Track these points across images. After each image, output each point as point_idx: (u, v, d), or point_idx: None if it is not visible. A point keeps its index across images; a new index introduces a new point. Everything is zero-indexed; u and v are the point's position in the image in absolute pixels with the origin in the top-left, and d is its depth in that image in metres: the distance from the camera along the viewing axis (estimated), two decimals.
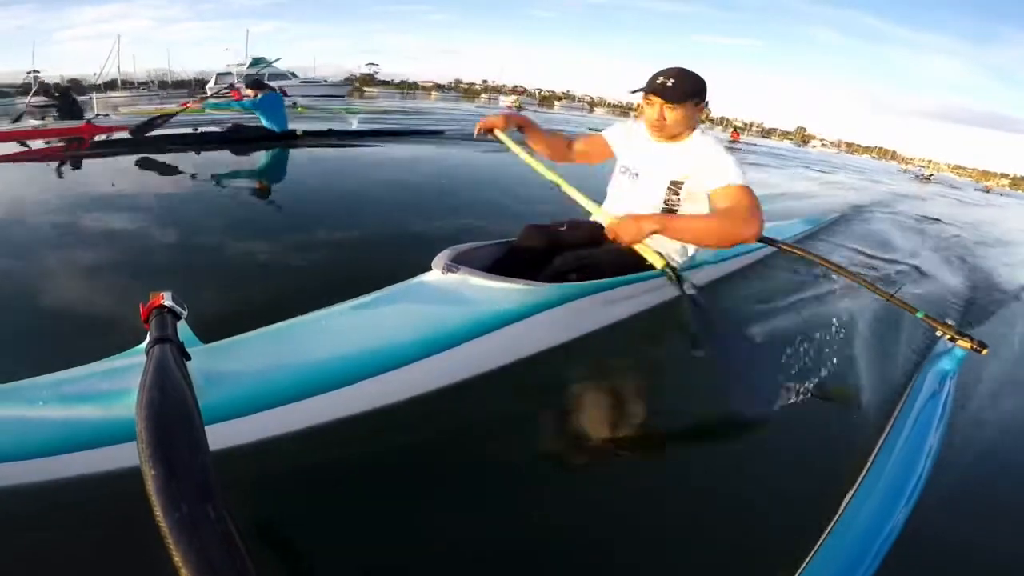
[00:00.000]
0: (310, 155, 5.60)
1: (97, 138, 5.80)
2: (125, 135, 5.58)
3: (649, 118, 1.69)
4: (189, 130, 5.80)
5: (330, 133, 6.66)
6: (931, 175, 20.87)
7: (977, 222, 7.54)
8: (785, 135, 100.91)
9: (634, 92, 1.71)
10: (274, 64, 31.00)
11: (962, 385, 1.67)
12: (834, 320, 2.29)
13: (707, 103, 1.69)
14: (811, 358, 1.96)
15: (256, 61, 31.45)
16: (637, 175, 1.81)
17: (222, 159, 5.11)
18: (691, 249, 1.87)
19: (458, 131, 8.28)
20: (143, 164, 4.46)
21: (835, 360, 1.96)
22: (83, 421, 0.92)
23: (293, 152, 5.55)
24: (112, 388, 0.97)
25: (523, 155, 1.96)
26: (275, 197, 3.75)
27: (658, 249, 1.78)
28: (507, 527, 1.06)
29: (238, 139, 5.75)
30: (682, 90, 1.62)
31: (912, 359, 1.90)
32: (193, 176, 4.22)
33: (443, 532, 1.02)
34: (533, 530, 1.05)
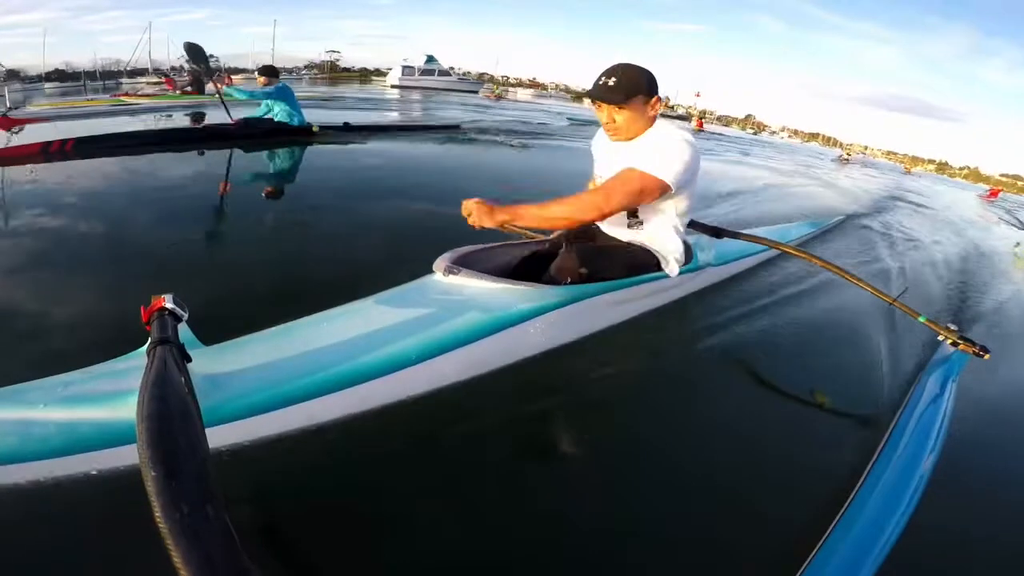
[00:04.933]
0: (327, 151, 5.21)
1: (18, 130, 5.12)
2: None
3: (602, 122, 1.66)
4: (194, 126, 5.22)
5: (346, 128, 6.20)
6: (848, 156, 23.86)
7: None
8: (744, 124, 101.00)
9: (583, 98, 1.65)
10: (437, 60, 36.89)
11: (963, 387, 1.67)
12: (837, 323, 2.30)
13: (659, 96, 1.62)
14: (814, 362, 1.96)
15: (430, 59, 36.68)
16: (603, 179, 1.77)
17: (233, 157, 4.60)
18: (674, 252, 1.79)
19: (474, 124, 8.36)
20: (135, 165, 4.02)
21: (838, 364, 1.96)
22: (85, 423, 0.93)
23: (309, 149, 5.17)
24: (113, 390, 0.97)
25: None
26: (289, 198, 3.53)
27: (658, 250, 1.78)
28: (508, 528, 1.06)
29: (248, 135, 5.16)
30: (624, 89, 1.55)
31: (913, 363, 1.89)
32: (196, 177, 3.87)
33: (444, 534, 1.02)
34: (534, 531, 1.05)
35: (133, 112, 7.32)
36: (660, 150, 1.55)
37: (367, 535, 1.00)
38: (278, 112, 5.34)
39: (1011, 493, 1.35)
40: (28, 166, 3.65)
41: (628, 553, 1.01)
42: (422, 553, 0.97)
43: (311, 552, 0.95)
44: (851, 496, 1.05)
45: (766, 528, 1.09)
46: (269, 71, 5.28)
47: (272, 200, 3.43)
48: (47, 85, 19.74)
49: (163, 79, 12.44)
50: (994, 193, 19.79)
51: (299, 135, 5.38)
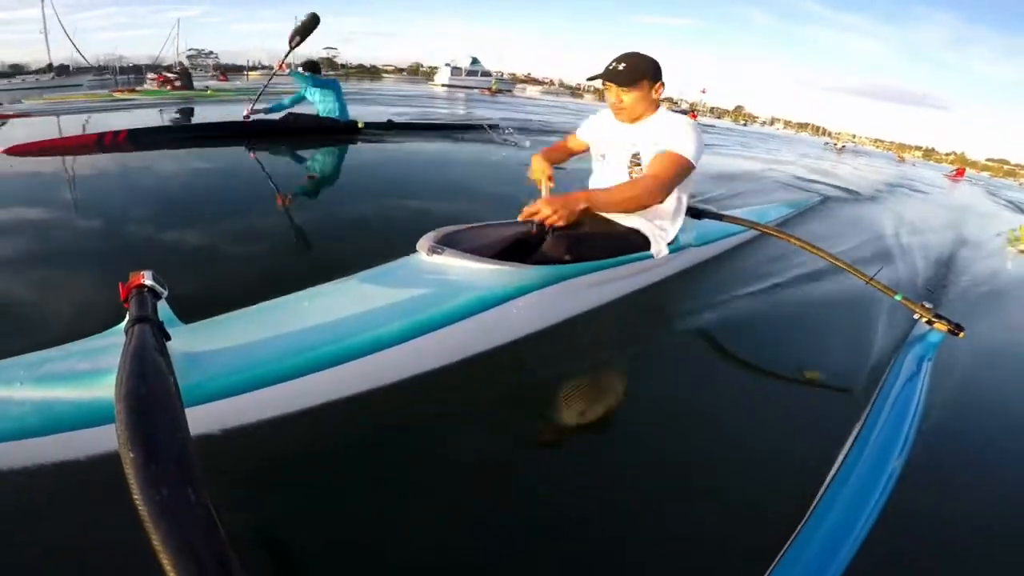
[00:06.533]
0: (371, 148, 5.05)
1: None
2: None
3: (609, 102, 1.80)
4: (239, 119, 5.12)
5: (390, 125, 6.14)
6: (843, 147, 25.71)
7: None
8: (735, 116, 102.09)
9: (591, 79, 1.81)
10: (480, 62, 44.92)
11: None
12: (814, 303, 2.33)
13: (663, 83, 1.77)
14: (791, 342, 2.00)
15: (475, 61, 44.68)
16: (604, 157, 1.92)
17: (278, 152, 4.59)
18: (671, 232, 1.91)
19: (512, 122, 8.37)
20: (178, 159, 4.04)
21: (815, 344, 1.99)
22: (61, 402, 0.91)
23: (353, 147, 5.09)
24: (91, 369, 0.95)
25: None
26: (328, 194, 3.47)
27: (654, 230, 1.85)
28: (489, 513, 1.06)
29: (294, 130, 5.17)
30: (632, 73, 1.70)
31: (890, 342, 1.93)
32: (234, 169, 3.94)
33: (426, 517, 1.02)
34: (516, 518, 1.05)
35: (123, 108, 7.36)
36: (673, 132, 1.68)
37: (348, 521, 1.00)
38: (324, 108, 5.30)
39: (985, 474, 1.38)
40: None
41: (603, 540, 1.02)
42: (406, 542, 0.97)
43: (292, 537, 0.95)
44: (827, 482, 1.06)
45: (743, 517, 1.09)
46: (312, 67, 5.20)
47: (310, 196, 3.37)
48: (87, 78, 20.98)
49: (157, 75, 12.27)
50: (959, 173, 20.34)
51: (345, 132, 5.37)
